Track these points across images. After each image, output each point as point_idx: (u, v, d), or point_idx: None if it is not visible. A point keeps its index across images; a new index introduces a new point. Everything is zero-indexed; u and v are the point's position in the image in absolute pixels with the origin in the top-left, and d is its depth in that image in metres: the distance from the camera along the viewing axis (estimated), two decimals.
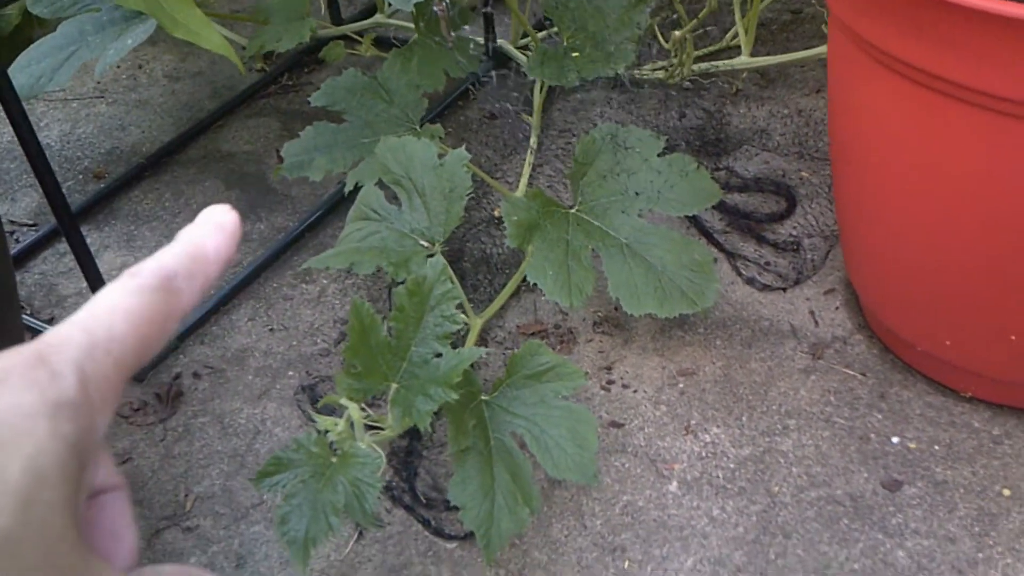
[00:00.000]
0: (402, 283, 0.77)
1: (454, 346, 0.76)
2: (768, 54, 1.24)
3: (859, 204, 0.87)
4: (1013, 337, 0.79)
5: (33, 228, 1.18)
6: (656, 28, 1.28)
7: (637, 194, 0.94)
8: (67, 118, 1.36)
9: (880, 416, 0.87)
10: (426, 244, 0.89)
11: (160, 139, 1.30)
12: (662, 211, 0.94)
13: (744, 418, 0.88)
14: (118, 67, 1.45)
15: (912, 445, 0.85)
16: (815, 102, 1.26)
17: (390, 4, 1.30)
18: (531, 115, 1.21)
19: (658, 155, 0.96)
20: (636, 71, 1.27)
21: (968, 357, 0.84)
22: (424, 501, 0.84)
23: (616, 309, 1.00)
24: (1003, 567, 0.75)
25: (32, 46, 1.11)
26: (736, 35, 1.26)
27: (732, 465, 0.84)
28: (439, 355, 0.75)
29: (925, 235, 0.79)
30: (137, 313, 0.22)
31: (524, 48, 1.29)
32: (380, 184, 0.93)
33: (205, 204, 1.21)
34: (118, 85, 1.42)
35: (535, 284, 0.88)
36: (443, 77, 1.11)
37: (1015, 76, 0.63)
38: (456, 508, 0.75)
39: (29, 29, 1.26)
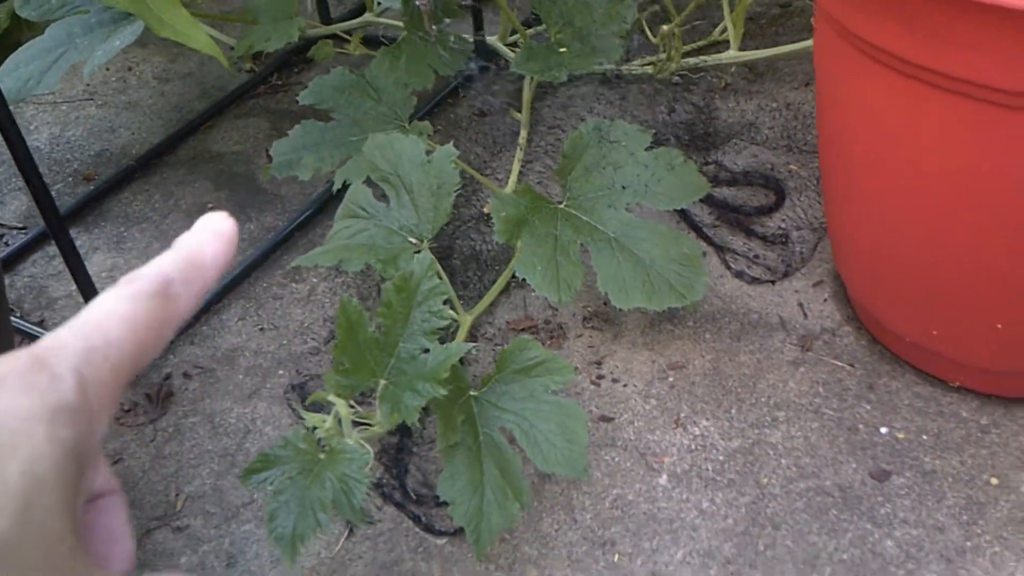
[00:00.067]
0: (391, 280, 0.77)
1: (443, 342, 0.76)
2: (757, 48, 1.24)
3: (847, 196, 0.87)
4: (999, 326, 0.79)
5: (22, 231, 1.18)
6: (644, 23, 1.28)
7: (624, 188, 0.94)
8: (56, 121, 1.36)
9: (868, 407, 0.87)
10: (414, 241, 0.89)
11: (150, 140, 1.30)
12: (649, 205, 0.94)
13: (733, 411, 0.88)
14: (107, 69, 1.45)
15: (900, 435, 0.85)
16: (803, 95, 1.27)
17: (379, 3, 1.31)
18: (520, 112, 1.21)
19: (646, 149, 0.97)
20: (625, 67, 1.27)
21: (956, 347, 0.84)
22: (415, 497, 0.84)
23: (606, 304, 1.00)
24: (991, 555, 0.75)
25: (20, 49, 1.11)
26: (725, 29, 1.26)
27: (721, 457, 0.84)
28: (427, 351, 0.75)
29: (912, 226, 0.79)
30: (134, 319, 0.22)
31: (513, 45, 1.29)
32: (368, 182, 0.94)
33: (195, 205, 1.20)
34: (107, 87, 1.42)
35: (525, 280, 0.88)
36: (431, 75, 1.11)
37: (1008, 66, 0.63)
38: (447, 504, 0.75)
39: (17, 32, 1.26)
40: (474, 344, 0.96)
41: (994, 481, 0.80)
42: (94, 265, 1.10)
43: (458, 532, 0.80)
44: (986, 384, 0.86)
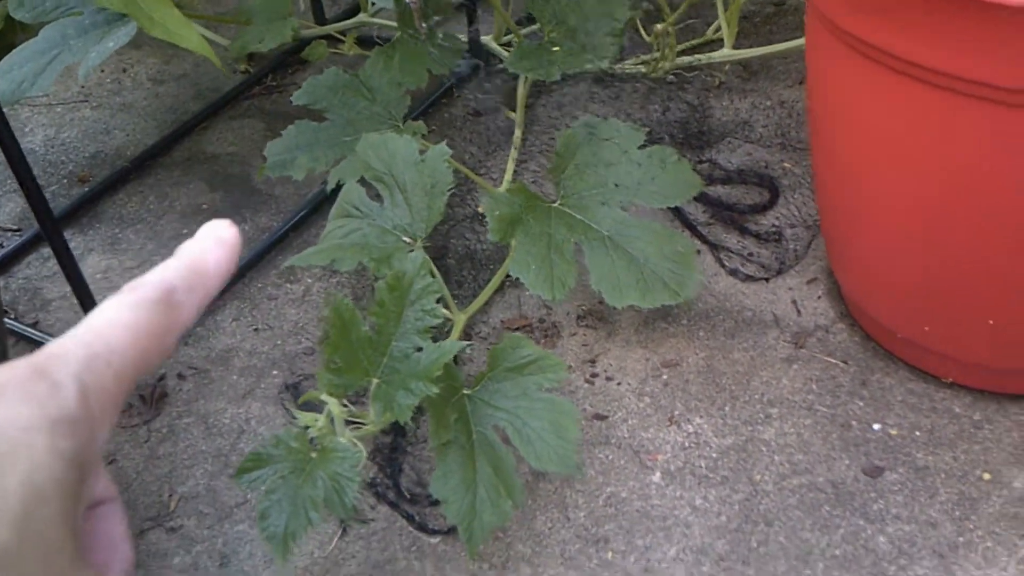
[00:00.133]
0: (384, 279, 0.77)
1: (436, 340, 0.76)
2: (751, 47, 1.24)
3: (839, 193, 0.88)
4: (991, 322, 0.79)
5: (17, 233, 1.18)
6: (638, 22, 1.28)
7: (617, 186, 0.95)
8: (51, 123, 1.36)
9: (862, 403, 0.87)
10: (408, 240, 0.89)
11: (144, 142, 1.30)
12: (643, 203, 0.94)
13: (727, 408, 0.89)
14: (102, 71, 1.45)
15: (893, 431, 0.85)
16: (797, 93, 1.27)
17: (373, 3, 1.31)
18: (515, 111, 1.21)
19: (639, 147, 0.97)
20: (619, 66, 1.27)
21: (948, 343, 0.84)
22: (408, 497, 0.84)
23: (600, 303, 1.00)
24: (983, 550, 0.75)
25: (14, 51, 1.11)
26: (719, 28, 1.26)
27: (715, 455, 0.85)
28: (420, 349, 0.75)
29: (904, 223, 0.79)
30: (137, 326, 0.22)
31: (507, 45, 1.29)
32: (362, 181, 0.94)
33: (189, 206, 1.20)
34: (102, 89, 1.42)
35: (519, 279, 0.88)
36: (425, 74, 1.11)
37: (1003, 63, 0.63)
38: (440, 503, 0.75)
39: (11, 34, 1.26)
40: (467, 343, 0.96)
41: (986, 476, 0.80)
42: (89, 266, 1.10)
43: (452, 531, 0.80)
44: (979, 380, 0.87)
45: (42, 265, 1.12)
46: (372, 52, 1.13)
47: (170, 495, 0.86)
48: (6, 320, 1.02)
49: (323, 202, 1.14)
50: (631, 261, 0.90)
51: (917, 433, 0.84)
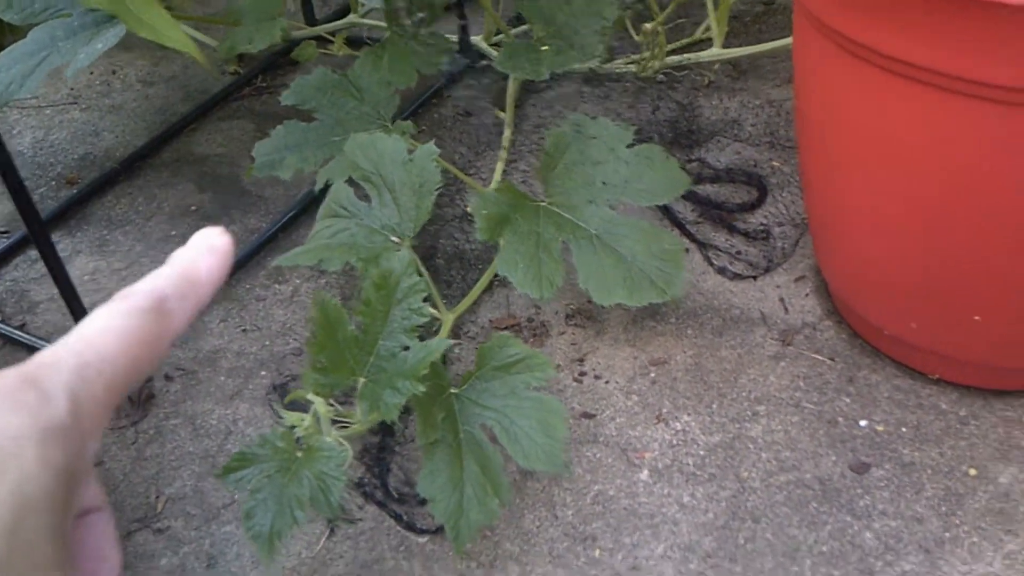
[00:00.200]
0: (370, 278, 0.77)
1: (423, 339, 0.76)
2: (740, 46, 1.25)
3: (826, 191, 0.88)
4: (977, 318, 0.79)
5: (5, 235, 1.17)
6: (628, 22, 1.29)
7: (605, 184, 0.95)
8: (40, 125, 1.36)
9: (848, 400, 0.88)
10: (396, 240, 0.89)
11: (133, 143, 1.30)
12: (631, 201, 0.95)
13: (714, 405, 0.89)
14: (91, 73, 1.45)
15: (880, 428, 0.85)
16: (786, 92, 1.27)
17: (363, 4, 1.31)
18: (504, 111, 1.21)
19: (627, 146, 0.97)
20: (608, 65, 1.27)
21: (934, 339, 0.84)
22: (396, 496, 0.84)
23: (589, 301, 1.00)
24: (969, 545, 0.75)
25: (2, 53, 1.11)
26: (708, 27, 1.26)
27: (702, 452, 0.85)
28: (407, 348, 0.75)
29: (891, 221, 0.80)
30: (128, 335, 0.22)
31: (498, 45, 1.29)
32: (350, 181, 0.94)
33: (178, 207, 1.20)
34: (91, 91, 1.42)
35: (508, 278, 0.88)
36: (415, 74, 1.11)
37: (1003, 63, 0.63)
38: (428, 502, 0.75)
39: (0, 36, 1.26)
40: (455, 341, 0.96)
41: (972, 472, 0.81)
42: (77, 268, 1.10)
43: (440, 530, 0.80)
44: (965, 376, 0.87)
45: (30, 267, 1.12)
46: (361, 52, 1.13)
47: (157, 496, 0.85)
48: None
49: (312, 203, 1.14)
50: (619, 259, 0.90)
51: (903, 429, 0.85)
